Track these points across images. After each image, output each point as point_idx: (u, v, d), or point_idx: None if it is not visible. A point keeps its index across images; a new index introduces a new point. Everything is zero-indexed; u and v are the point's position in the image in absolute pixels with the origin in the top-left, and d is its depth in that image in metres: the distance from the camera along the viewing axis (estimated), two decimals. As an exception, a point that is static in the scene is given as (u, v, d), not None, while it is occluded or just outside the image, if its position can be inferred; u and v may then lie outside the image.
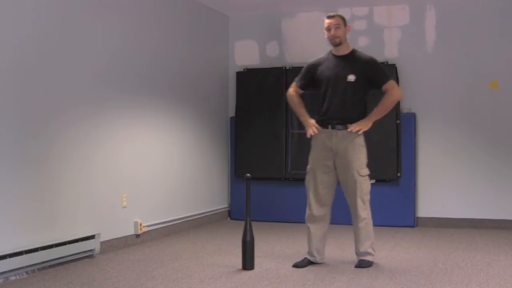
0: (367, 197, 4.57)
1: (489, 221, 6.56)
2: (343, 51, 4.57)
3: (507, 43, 6.57)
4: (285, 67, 7.21)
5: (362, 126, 4.47)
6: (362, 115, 4.52)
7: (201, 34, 6.89)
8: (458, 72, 6.74)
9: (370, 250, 4.57)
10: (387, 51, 6.96)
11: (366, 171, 4.56)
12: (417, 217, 6.81)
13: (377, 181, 6.77)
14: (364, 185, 4.54)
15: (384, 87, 4.51)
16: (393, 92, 4.51)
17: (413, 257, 4.94)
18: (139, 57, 5.72)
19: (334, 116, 4.52)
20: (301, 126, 6.80)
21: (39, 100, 4.51)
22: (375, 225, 6.59)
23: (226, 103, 7.52)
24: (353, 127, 4.45)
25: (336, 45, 4.54)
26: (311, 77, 4.67)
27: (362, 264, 4.53)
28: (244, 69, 7.46)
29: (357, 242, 4.59)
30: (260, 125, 7.24)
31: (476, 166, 6.65)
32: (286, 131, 7.15)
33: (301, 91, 4.73)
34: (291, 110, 7.03)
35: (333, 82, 4.53)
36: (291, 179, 7.08)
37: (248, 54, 7.49)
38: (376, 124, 6.59)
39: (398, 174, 6.72)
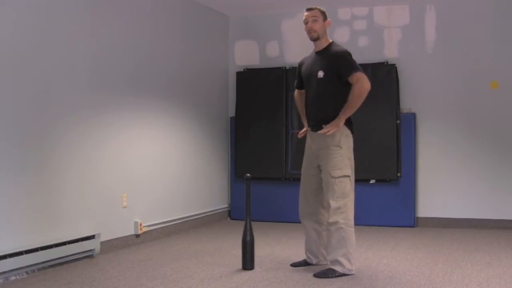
0: (344, 201, 4.21)
1: (489, 221, 6.56)
2: (321, 46, 4.38)
3: (507, 43, 6.57)
4: (285, 67, 7.22)
5: (332, 127, 4.19)
6: (339, 111, 4.24)
7: (201, 34, 6.89)
8: (458, 72, 6.74)
9: (341, 259, 4.19)
10: (387, 51, 6.96)
11: (341, 172, 4.22)
12: (417, 217, 6.80)
13: (377, 181, 6.80)
14: (337, 187, 4.20)
15: (349, 80, 4.21)
16: (356, 86, 4.18)
17: (413, 257, 4.94)
18: (139, 58, 5.72)
19: (312, 117, 4.42)
20: (301, 126, 6.83)
21: (40, 103, 4.51)
22: (375, 225, 6.70)
23: (226, 103, 7.52)
24: (323, 130, 4.23)
25: (314, 39, 4.36)
26: (301, 76, 4.60)
27: (322, 273, 4.20)
28: (244, 69, 7.46)
29: (327, 248, 4.34)
30: (260, 125, 7.24)
31: (476, 166, 6.65)
32: (286, 131, 7.15)
33: (301, 91, 4.67)
34: (291, 110, 7.14)
35: (308, 80, 4.44)
36: (291, 179, 7.08)
37: (248, 54, 7.49)
38: (376, 124, 6.69)
39: (398, 174, 6.73)
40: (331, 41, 4.44)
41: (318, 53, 4.42)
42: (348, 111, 4.23)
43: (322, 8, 4.41)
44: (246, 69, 7.45)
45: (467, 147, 6.70)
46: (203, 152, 6.92)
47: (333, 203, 4.21)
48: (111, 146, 5.30)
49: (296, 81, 4.70)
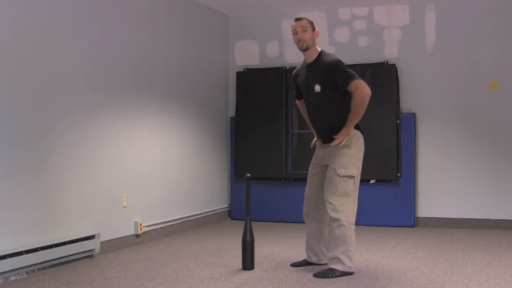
0: (344, 199, 4.24)
1: (489, 221, 6.56)
2: (311, 57, 4.38)
3: (507, 43, 6.57)
4: (285, 67, 7.21)
5: (343, 137, 4.23)
6: (345, 117, 4.29)
7: (201, 34, 6.89)
8: (458, 72, 6.74)
9: (341, 257, 4.21)
10: (387, 51, 6.96)
11: (346, 172, 4.25)
12: (417, 217, 6.81)
13: (377, 181, 6.80)
14: (340, 185, 4.23)
15: (348, 89, 4.23)
16: (357, 94, 4.19)
17: (413, 257, 4.94)
18: (139, 58, 5.72)
19: (320, 131, 4.47)
20: (301, 126, 6.85)
21: (40, 102, 4.51)
22: (375, 225, 6.70)
23: (226, 103, 7.52)
24: (336, 142, 4.24)
25: (303, 49, 4.35)
26: (298, 87, 4.65)
27: (322, 273, 4.21)
28: (244, 69, 7.46)
29: (327, 244, 4.37)
30: (260, 125, 7.24)
31: (476, 166, 6.65)
32: (286, 131, 7.15)
33: (302, 100, 4.69)
34: (291, 110, 7.13)
35: (307, 94, 4.49)
36: (291, 179, 7.08)
37: (248, 54, 7.49)
38: (376, 124, 6.69)
39: (398, 174, 6.73)
40: (320, 50, 4.43)
41: (310, 65, 4.42)
42: (354, 119, 4.26)
43: (310, 19, 4.41)
44: (246, 69, 7.45)
45: (467, 147, 6.70)
46: (203, 152, 6.92)
47: (334, 201, 4.24)
48: (111, 146, 5.30)
49: (295, 92, 4.74)
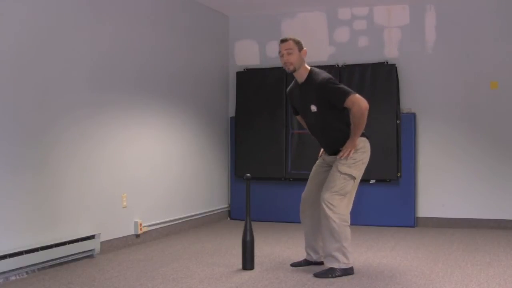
0: (340, 197, 4.24)
1: (489, 221, 6.56)
2: (301, 77, 4.33)
3: (507, 43, 6.57)
4: (285, 67, 7.21)
5: (349, 150, 4.26)
6: (346, 131, 4.31)
7: (201, 34, 6.89)
8: (458, 72, 6.74)
9: (336, 254, 4.22)
10: (387, 51, 6.96)
11: (348, 170, 4.27)
12: (417, 217, 6.81)
13: (377, 181, 6.79)
14: (339, 182, 4.24)
15: (345, 105, 4.22)
16: (354, 109, 4.18)
17: (413, 257, 4.94)
18: (139, 58, 5.72)
19: (323, 144, 4.51)
20: (301, 126, 6.83)
21: (40, 102, 4.51)
22: (375, 225, 6.70)
23: (226, 103, 7.52)
24: (341, 155, 4.27)
25: (291, 72, 4.31)
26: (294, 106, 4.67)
27: (322, 273, 4.23)
28: (244, 69, 7.46)
29: (322, 241, 4.40)
30: (260, 125, 7.24)
31: (476, 166, 6.66)
32: (286, 131, 7.15)
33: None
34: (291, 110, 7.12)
35: (304, 113, 4.51)
36: (291, 179, 7.08)
37: (248, 54, 7.49)
38: (376, 124, 6.68)
39: (398, 174, 6.73)
40: (309, 68, 4.36)
41: (302, 85, 4.39)
42: (357, 132, 4.27)
43: (297, 38, 4.33)
44: (246, 69, 7.45)
45: (467, 147, 6.70)
46: (203, 152, 6.93)
47: (329, 198, 4.24)
48: (111, 146, 5.30)
49: (293, 109, 4.75)
